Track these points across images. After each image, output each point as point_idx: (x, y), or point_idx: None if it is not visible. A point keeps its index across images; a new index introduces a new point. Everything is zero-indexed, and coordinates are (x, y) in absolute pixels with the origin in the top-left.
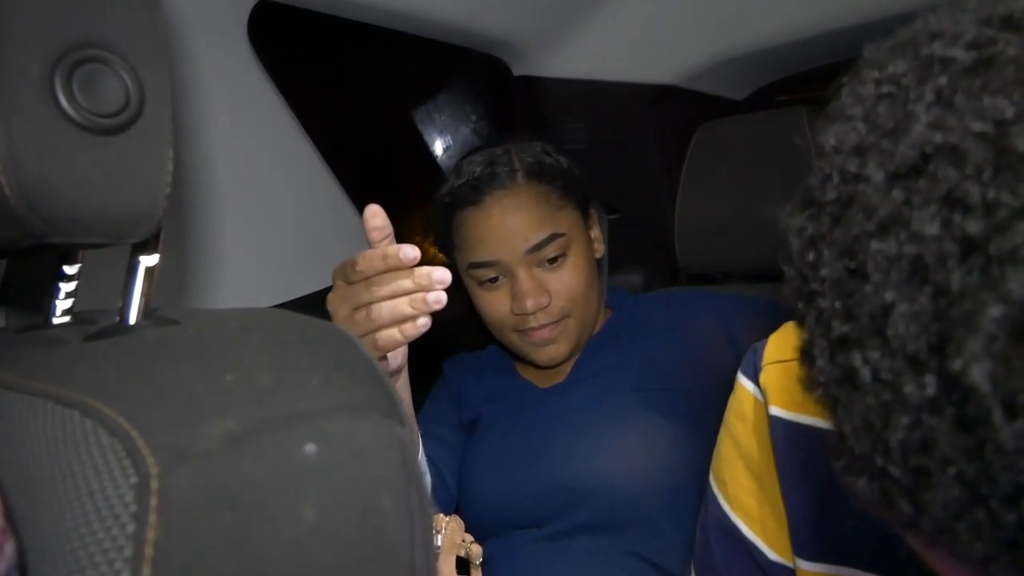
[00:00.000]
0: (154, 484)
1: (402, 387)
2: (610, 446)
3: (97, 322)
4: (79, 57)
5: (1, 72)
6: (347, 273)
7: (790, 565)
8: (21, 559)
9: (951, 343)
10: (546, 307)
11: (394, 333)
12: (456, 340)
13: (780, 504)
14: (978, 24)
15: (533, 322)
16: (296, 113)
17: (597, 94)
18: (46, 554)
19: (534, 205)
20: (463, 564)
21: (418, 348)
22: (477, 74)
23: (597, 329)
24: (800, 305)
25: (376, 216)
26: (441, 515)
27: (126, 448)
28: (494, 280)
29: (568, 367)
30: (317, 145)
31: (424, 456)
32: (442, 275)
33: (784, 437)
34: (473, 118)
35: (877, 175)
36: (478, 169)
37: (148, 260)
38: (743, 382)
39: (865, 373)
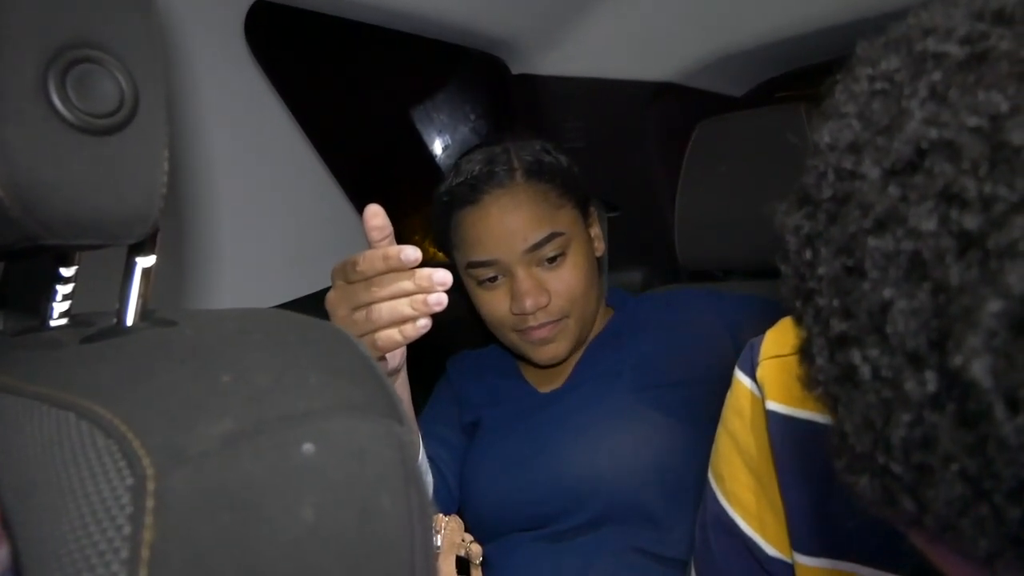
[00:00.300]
0: (150, 486)
1: (401, 387)
2: (610, 447)
3: (94, 324)
4: (73, 57)
5: None
6: (347, 273)
7: (788, 560)
8: (16, 562)
9: (951, 339)
10: (545, 307)
11: (394, 334)
12: (457, 340)
13: (778, 499)
14: (970, 19)
15: (532, 321)
16: (294, 113)
17: (596, 92)
18: (42, 557)
19: (533, 204)
20: (463, 564)
21: (419, 347)
22: (475, 73)
23: (598, 330)
24: (798, 303)
25: (376, 216)
26: (440, 515)
27: (122, 450)
28: (493, 279)
29: (568, 369)
30: (315, 145)
31: (425, 456)
32: (443, 277)
33: (781, 432)
34: (472, 117)
35: (873, 172)
36: (477, 168)
37: (145, 261)
38: (740, 377)
39: (865, 371)
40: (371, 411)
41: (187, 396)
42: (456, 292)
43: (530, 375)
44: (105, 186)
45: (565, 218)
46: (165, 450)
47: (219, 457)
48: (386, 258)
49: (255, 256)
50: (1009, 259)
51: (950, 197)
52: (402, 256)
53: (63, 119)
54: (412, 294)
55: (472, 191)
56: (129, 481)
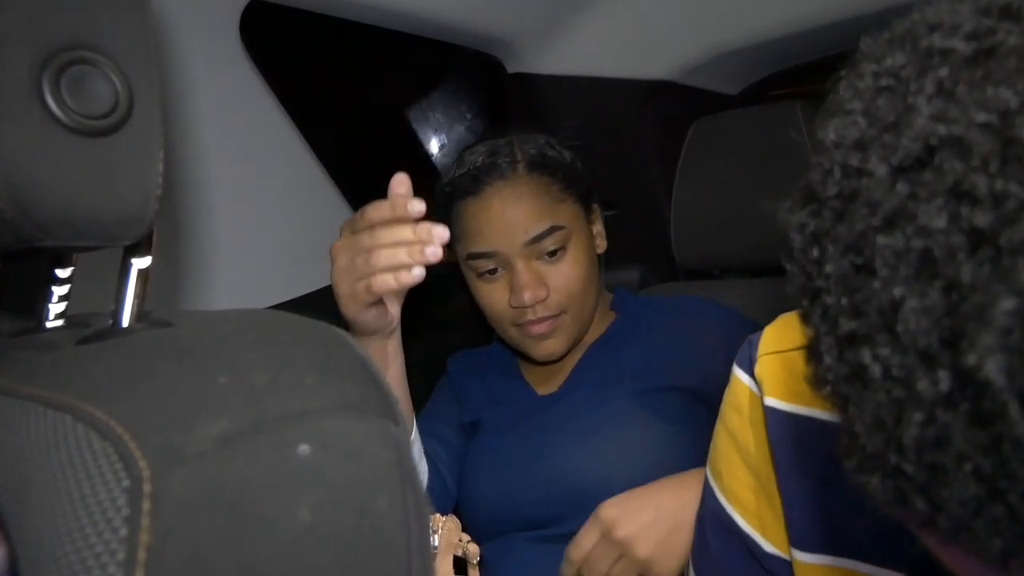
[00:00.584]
0: (147, 487)
1: (393, 352)
2: (608, 450)
3: (90, 325)
4: (67, 59)
5: None
6: (355, 223)
7: (787, 557)
8: (13, 565)
9: (964, 337)
10: (544, 300)
11: (388, 279)
12: (458, 336)
13: (776, 496)
14: (976, 14)
15: (531, 315)
16: (289, 113)
17: (591, 90)
18: (38, 559)
19: (535, 196)
20: (460, 564)
21: (421, 345)
22: (471, 72)
23: (598, 332)
24: (804, 302)
25: (402, 185)
26: (438, 515)
27: (118, 451)
28: (493, 272)
29: (566, 372)
30: (311, 145)
31: (423, 453)
32: (442, 232)
33: (780, 428)
34: (468, 116)
35: (880, 169)
36: (480, 159)
37: (140, 262)
38: (738, 374)
39: (875, 370)
40: (367, 411)
41: (183, 397)
42: (457, 288)
43: (530, 376)
44: (100, 187)
45: (566, 212)
46: (161, 451)
47: (215, 458)
48: (394, 206)
49: (251, 256)
50: (1021, 256)
51: (960, 194)
52: (409, 206)
53: (58, 121)
54: (411, 243)
55: (474, 182)
56: (125, 483)
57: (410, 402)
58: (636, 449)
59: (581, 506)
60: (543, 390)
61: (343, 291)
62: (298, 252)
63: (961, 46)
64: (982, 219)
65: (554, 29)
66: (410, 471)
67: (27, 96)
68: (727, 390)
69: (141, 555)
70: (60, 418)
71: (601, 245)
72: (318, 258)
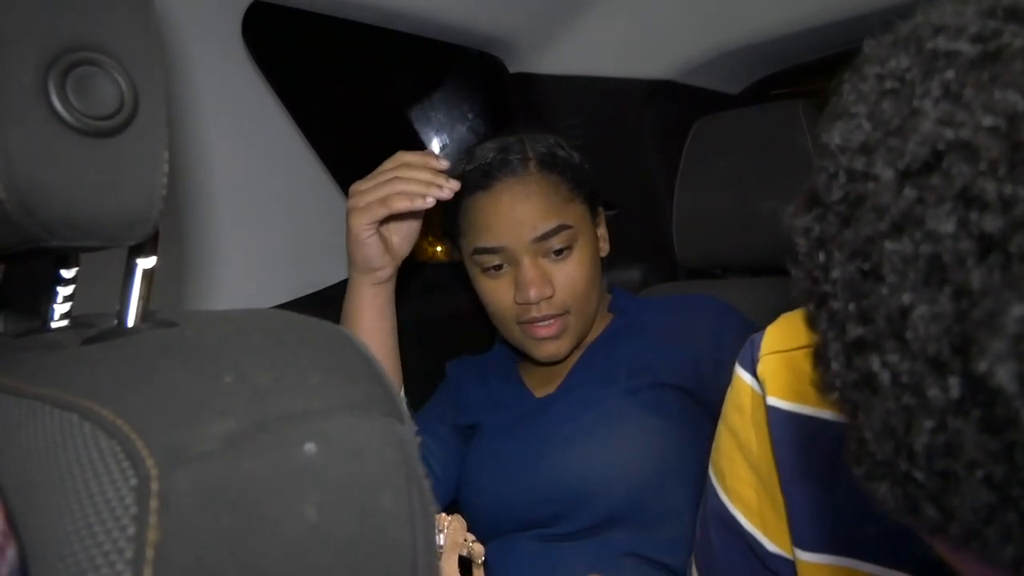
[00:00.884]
0: (154, 486)
1: (385, 301)
2: (606, 450)
3: (95, 325)
4: (72, 60)
5: None
6: (385, 165)
7: (789, 556)
8: (23, 563)
9: (974, 344)
10: (549, 298)
11: (404, 198)
12: (460, 338)
13: (779, 495)
14: (982, 16)
15: (535, 312)
16: (292, 114)
17: (593, 90)
18: (47, 557)
19: (544, 194)
20: (465, 563)
21: (423, 346)
22: (473, 72)
23: (596, 334)
24: (811, 307)
25: (441, 162)
26: (443, 514)
27: (125, 450)
28: (498, 268)
29: (563, 374)
30: (313, 145)
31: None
32: (455, 184)
33: (782, 427)
34: (469, 116)
35: (887, 173)
36: (490, 155)
37: (145, 262)
38: (740, 373)
39: (884, 377)
40: (372, 410)
41: (189, 396)
42: (460, 287)
43: (528, 379)
44: (105, 188)
45: (574, 212)
46: (168, 450)
47: (221, 457)
48: (425, 154)
49: (254, 257)
50: None
51: (969, 199)
52: (437, 159)
53: (63, 121)
54: (429, 182)
55: (484, 177)
56: (133, 481)
57: (399, 364)
58: (632, 446)
59: (580, 505)
60: (540, 392)
61: (357, 205)
62: (301, 252)
63: (967, 48)
64: (991, 224)
65: (555, 29)
66: (415, 470)
67: (32, 97)
68: (729, 389)
69: (149, 553)
70: (67, 417)
71: (604, 248)
72: (320, 258)
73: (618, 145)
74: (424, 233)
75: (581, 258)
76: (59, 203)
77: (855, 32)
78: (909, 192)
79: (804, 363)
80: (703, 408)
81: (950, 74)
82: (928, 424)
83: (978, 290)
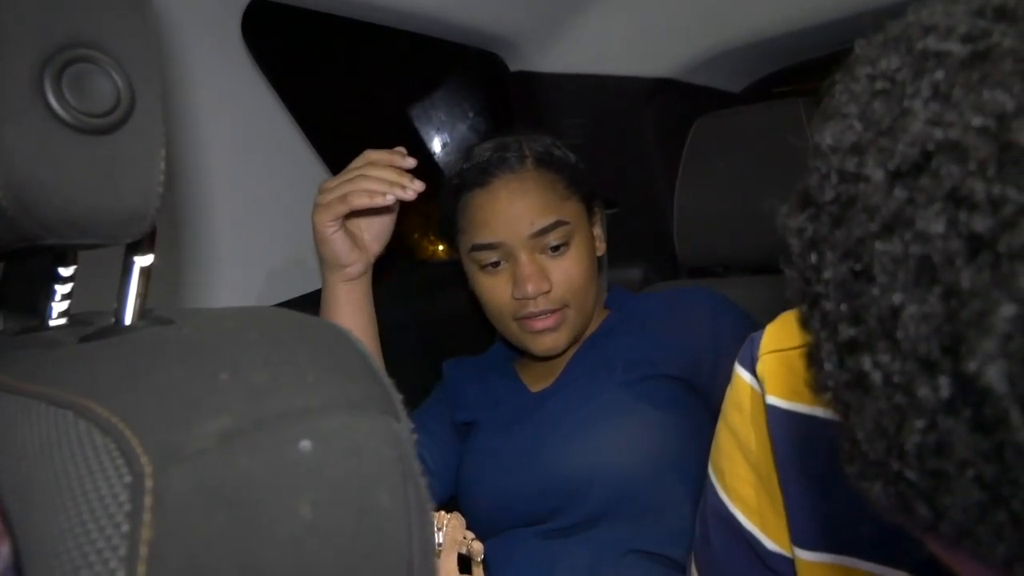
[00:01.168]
0: (148, 483)
1: (360, 297)
2: (603, 441)
3: (93, 323)
4: (68, 57)
5: None
6: (352, 164)
7: (788, 555)
8: (17, 560)
9: (964, 344)
10: (546, 293)
11: (364, 195)
12: (460, 336)
13: (778, 494)
14: (971, 16)
15: (533, 307)
16: (291, 111)
17: (594, 88)
18: (41, 554)
19: (541, 191)
20: (464, 561)
21: (422, 345)
22: (473, 70)
23: (592, 329)
24: (804, 308)
25: (402, 149)
26: (442, 512)
27: (120, 448)
28: (496, 264)
29: (559, 369)
30: (313, 143)
31: None
32: (419, 185)
33: (781, 426)
34: (470, 115)
35: (877, 174)
36: (488, 153)
37: (142, 260)
38: (740, 372)
39: (876, 377)
40: (369, 408)
41: (185, 394)
42: (458, 287)
43: (524, 375)
44: (102, 185)
45: (571, 210)
46: (163, 448)
47: (217, 455)
48: (391, 152)
49: (253, 255)
50: (1021, 262)
51: (958, 199)
52: (404, 157)
53: (59, 119)
54: (392, 182)
55: (482, 174)
56: (127, 479)
57: (380, 359)
58: (628, 438)
59: (578, 498)
60: (536, 387)
61: (320, 202)
62: (300, 251)
63: (956, 48)
64: (980, 224)
65: (556, 27)
66: (412, 468)
67: (29, 95)
68: (729, 388)
69: (143, 551)
70: (62, 415)
71: (601, 248)
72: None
73: (619, 143)
74: (425, 232)
75: (578, 255)
76: (56, 201)
77: (857, 30)
78: (899, 193)
79: (803, 362)
80: (701, 399)
81: (940, 74)
82: (919, 424)
83: (967, 290)
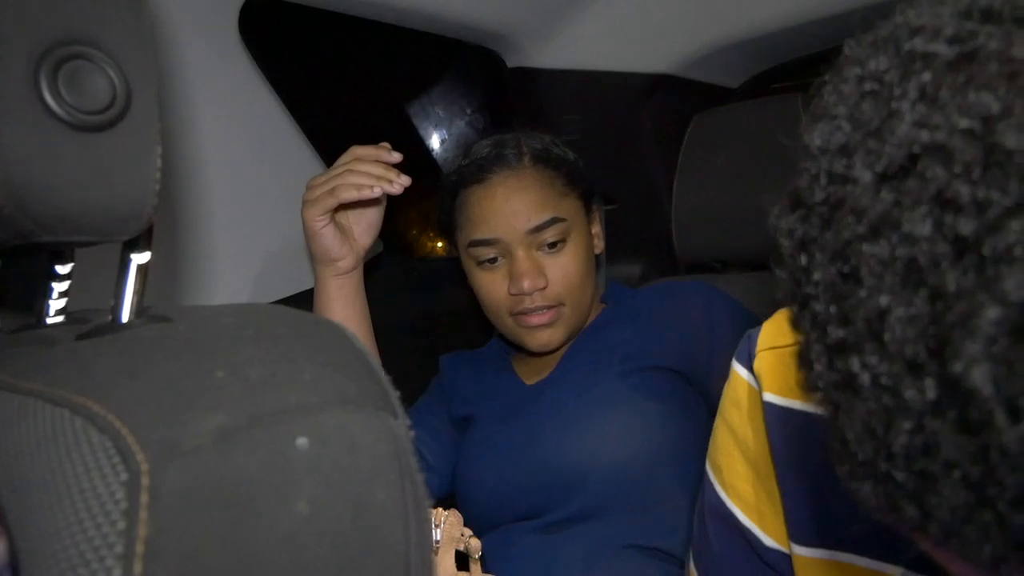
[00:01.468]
0: (144, 480)
1: (351, 291)
2: (596, 433)
3: (90, 321)
4: (63, 54)
5: None
6: (339, 160)
7: (786, 551)
8: (13, 558)
9: (950, 346)
10: (543, 290)
11: (351, 188)
12: (456, 332)
13: (775, 490)
14: (958, 17)
15: (529, 303)
16: (289, 109)
17: (592, 84)
18: (38, 553)
19: (538, 187)
20: (462, 558)
21: (420, 341)
22: (471, 67)
23: (588, 322)
24: (794, 308)
25: (387, 144)
26: (440, 509)
27: (116, 445)
28: (493, 261)
29: (554, 362)
30: (311, 140)
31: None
32: (406, 179)
33: (778, 423)
34: (468, 111)
35: (865, 176)
36: (486, 150)
37: (139, 258)
38: (737, 369)
39: (864, 378)
40: (365, 404)
41: (181, 391)
42: (456, 285)
43: (520, 368)
44: (98, 183)
45: (568, 207)
46: (159, 445)
47: (213, 452)
48: (377, 148)
49: (250, 252)
50: (1006, 264)
51: (944, 202)
52: (389, 154)
53: (55, 116)
54: (379, 176)
55: (480, 171)
56: (123, 476)
57: (375, 350)
58: (623, 430)
59: (573, 490)
60: (532, 380)
61: (308, 198)
62: (298, 248)
63: (943, 50)
64: (966, 227)
65: (554, 23)
66: (409, 464)
67: (24, 92)
68: (726, 384)
69: (139, 548)
70: (58, 412)
71: (599, 246)
72: None
73: (617, 139)
74: (423, 228)
75: (575, 252)
76: (51, 198)
77: (855, 26)
78: (886, 195)
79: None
80: (697, 391)
81: (927, 76)
82: (906, 425)
83: (953, 292)
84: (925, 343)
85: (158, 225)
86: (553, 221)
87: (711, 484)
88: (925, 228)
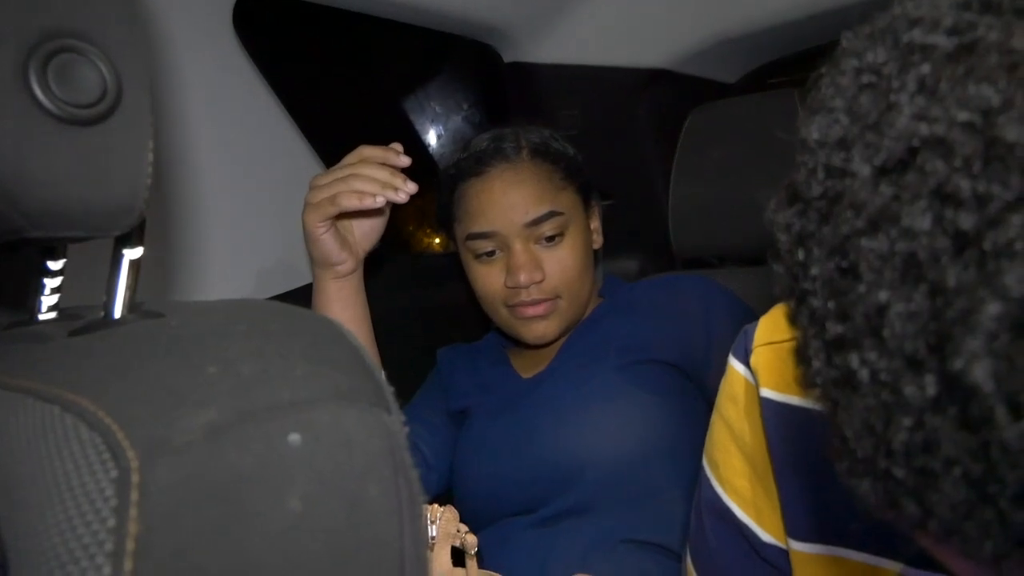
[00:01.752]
0: (134, 477)
1: (351, 294)
2: (592, 426)
3: (82, 317)
4: (53, 47)
5: None
6: (346, 159)
7: (783, 546)
8: (2, 557)
9: (950, 342)
10: (539, 283)
11: (353, 196)
12: (454, 327)
13: (773, 486)
14: (957, 8)
15: (525, 296)
16: (284, 103)
17: (589, 79)
18: (27, 550)
19: (536, 181)
20: (458, 554)
21: (418, 336)
22: (468, 62)
23: (585, 316)
24: (792, 304)
25: (398, 146)
26: (435, 505)
27: (106, 442)
28: (491, 254)
29: (550, 355)
30: (306, 135)
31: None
32: (412, 187)
33: (775, 419)
34: (465, 106)
35: (863, 170)
36: (484, 144)
37: (132, 253)
38: (734, 364)
39: (863, 374)
40: (359, 400)
41: (172, 388)
42: (454, 279)
43: (516, 362)
44: (89, 177)
45: (566, 201)
46: (149, 441)
47: (204, 448)
48: (385, 151)
49: (245, 249)
50: (1007, 259)
51: (944, 196)
52: (399, 155)
53: (45, 110)
54: (384, 182)
55: (478, 164)
56: (113, 473)
57: (376, 353)
58: (620, 422)
59: (569, 483)
60: (528, 374)
61: (310, 201)
62: (293, 244)
63: (942, 42)
64: (966, 221)
65: (550, 18)
66: (403, 460)
67: (14, 86)
68: (723, 380)
69: (129, 545)
70: (48, 409)
71: (597, 241)
72: None
73: (614, 134)
74: (420, 224)
75: (572, 246)
76: (41, 193)
77: (853, 20)
78: (885, 189)
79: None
80: (694, 385)
81: (926, 68)
82: (906, 422)
83: (953, 288)
84: (925, 339)
85: (151, 221)
86: (551, 215)
87: (708, 480)
88: (925, 222)
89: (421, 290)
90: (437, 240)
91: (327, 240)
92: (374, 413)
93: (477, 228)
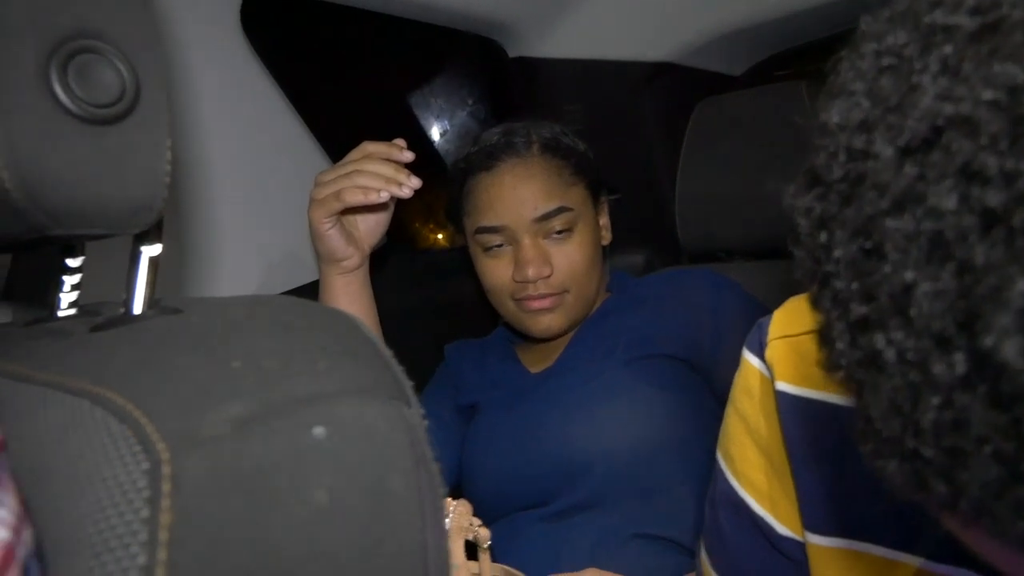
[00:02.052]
0: (166, 469)
1: (357, 288)
2: (601, 421)
3: (102, 313)
4: (73, 48)
5: None
6: (349, 155)
7: (800, 539)
8: (39, 546)
9: (979, 320)
10: (547, 278)
11: (358, 192)
12: (461, 323)
13: (789, 479)
14: None
15: (532, 290)
16: (291, 100)
17: (594, 73)
18: (62, 541)
19: (546, 176)
20: (471, 548)
21: (425, 332)
22: (472, 57)
23: (593, 311)
24: (814, 288)
25: (402, 141)
26: (449, 499)
27: (136, 435)
28: (500, 247)
29: (559, 350)
30: (313, 131)
31: None
32: (416, 181)
33: (791, 412)
34: (469, 101)
35: (886, 151)
36: (495, 138)
37: (150, 250)
38: (749, 358)
39: (890, 354)
40: (380, 394)
41: (198, 381)
42: (463, 274)
43: (524, 357)
44: (109, 175)
45: (576, 196)
46: (179, 434)
47: (231, 441)
48: (389, 146)
49: (255, 245)
50: None
51: (970, 174)
52: (403, 150)
53: (66, 110)
54: (389, 178)
55: (488, 158)
56: (145, 465)
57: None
58: (628, 417)
59: (579, 478)
60: (536, 368)
61: (315, 197)
62: (301, 240)
63: (965, 21)
64: (993, 199)
65: (555, 12)
66: (423, 453)
67: (35, 86)
68: (737, 373)
69: (163, 535)
70: (77, 403)
71: (606, 237)
72: None
73: (619, 129)
74: (425, 220)
75: (581, 241)
76: (63, 191)
77: (858, 11)
78: (910, 169)
79: (812, 347)
80: (702, 378)
81: (948, 48)
82: (935, 401)
83: (982, 266)
84: (953, 317)
85: (166, 218)
86: (560, 210)
87: (723, 473)
88: (951, 201)
89: (427, 286)
90: (441, 236)
91: (333, 236)
92: (395, 406)
93: (486, 222)
